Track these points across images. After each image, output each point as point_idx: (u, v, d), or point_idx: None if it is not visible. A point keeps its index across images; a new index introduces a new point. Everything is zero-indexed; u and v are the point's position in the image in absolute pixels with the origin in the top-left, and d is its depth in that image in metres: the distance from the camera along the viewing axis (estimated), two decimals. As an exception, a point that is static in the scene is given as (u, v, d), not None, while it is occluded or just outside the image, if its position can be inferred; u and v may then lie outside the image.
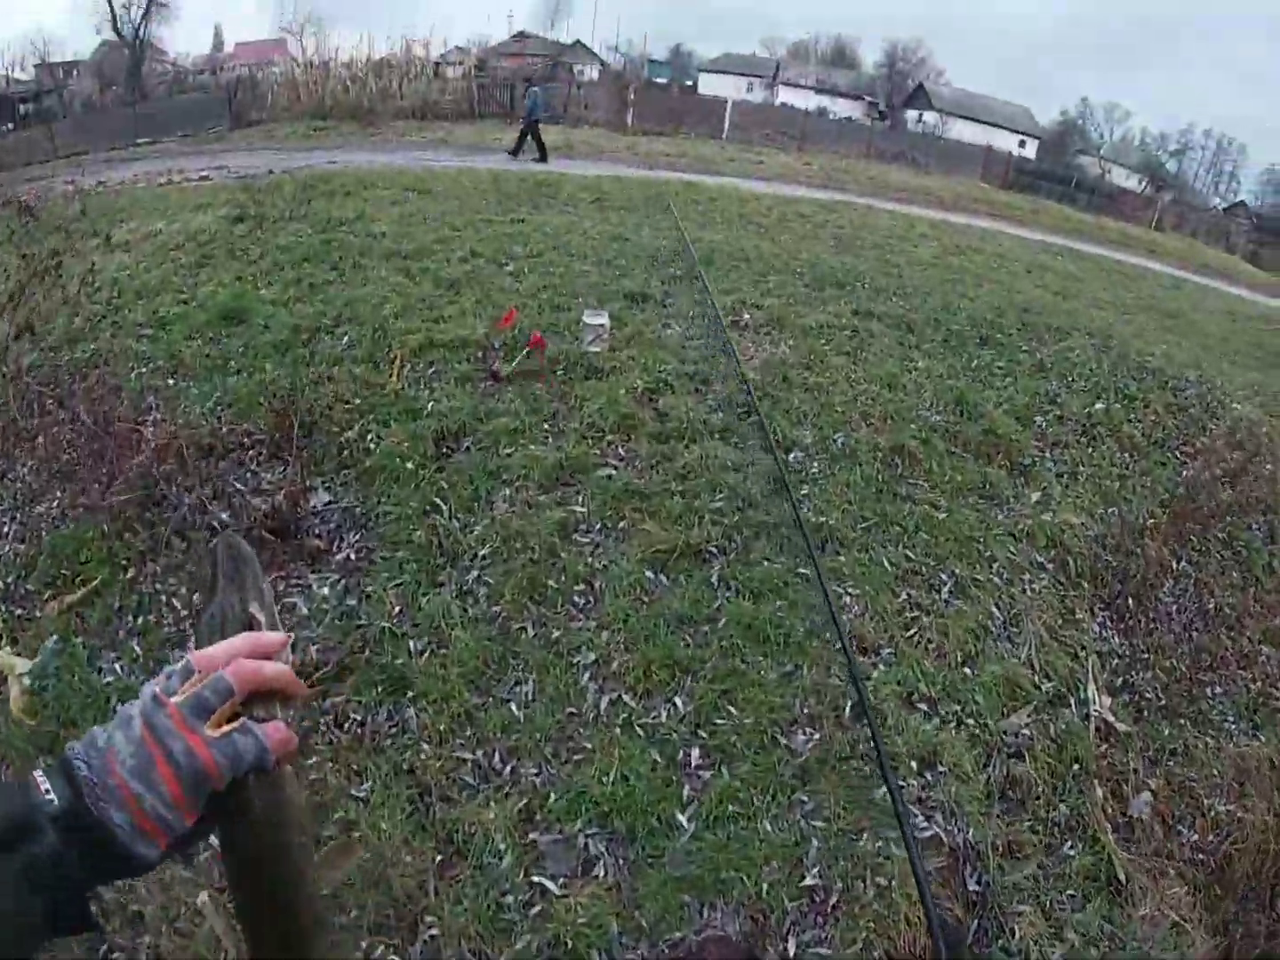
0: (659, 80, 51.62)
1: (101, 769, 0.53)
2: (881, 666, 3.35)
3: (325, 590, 3.48)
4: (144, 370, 5.18)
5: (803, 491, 4.27)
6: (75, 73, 39.37)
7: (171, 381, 5.04)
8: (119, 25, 36.12)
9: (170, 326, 5.78)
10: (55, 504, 4.05)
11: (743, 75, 56.18)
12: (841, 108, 53.03)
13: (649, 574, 3.58)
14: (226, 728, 0.56)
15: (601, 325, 5.21)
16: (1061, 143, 56.34)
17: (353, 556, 3.68)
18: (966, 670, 3.42)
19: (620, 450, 4.32)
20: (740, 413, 4.79)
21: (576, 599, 3.45)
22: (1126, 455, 5.32)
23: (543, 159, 15.75)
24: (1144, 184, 47.83)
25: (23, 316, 4.97)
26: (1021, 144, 48.59)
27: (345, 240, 7.76)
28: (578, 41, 60.31)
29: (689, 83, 55.47)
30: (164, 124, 22.17)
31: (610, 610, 3.38)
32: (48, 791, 0.52)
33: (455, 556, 3.62)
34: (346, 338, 5.53)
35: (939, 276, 8.86)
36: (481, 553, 3.62)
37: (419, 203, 9.94)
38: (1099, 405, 5.85)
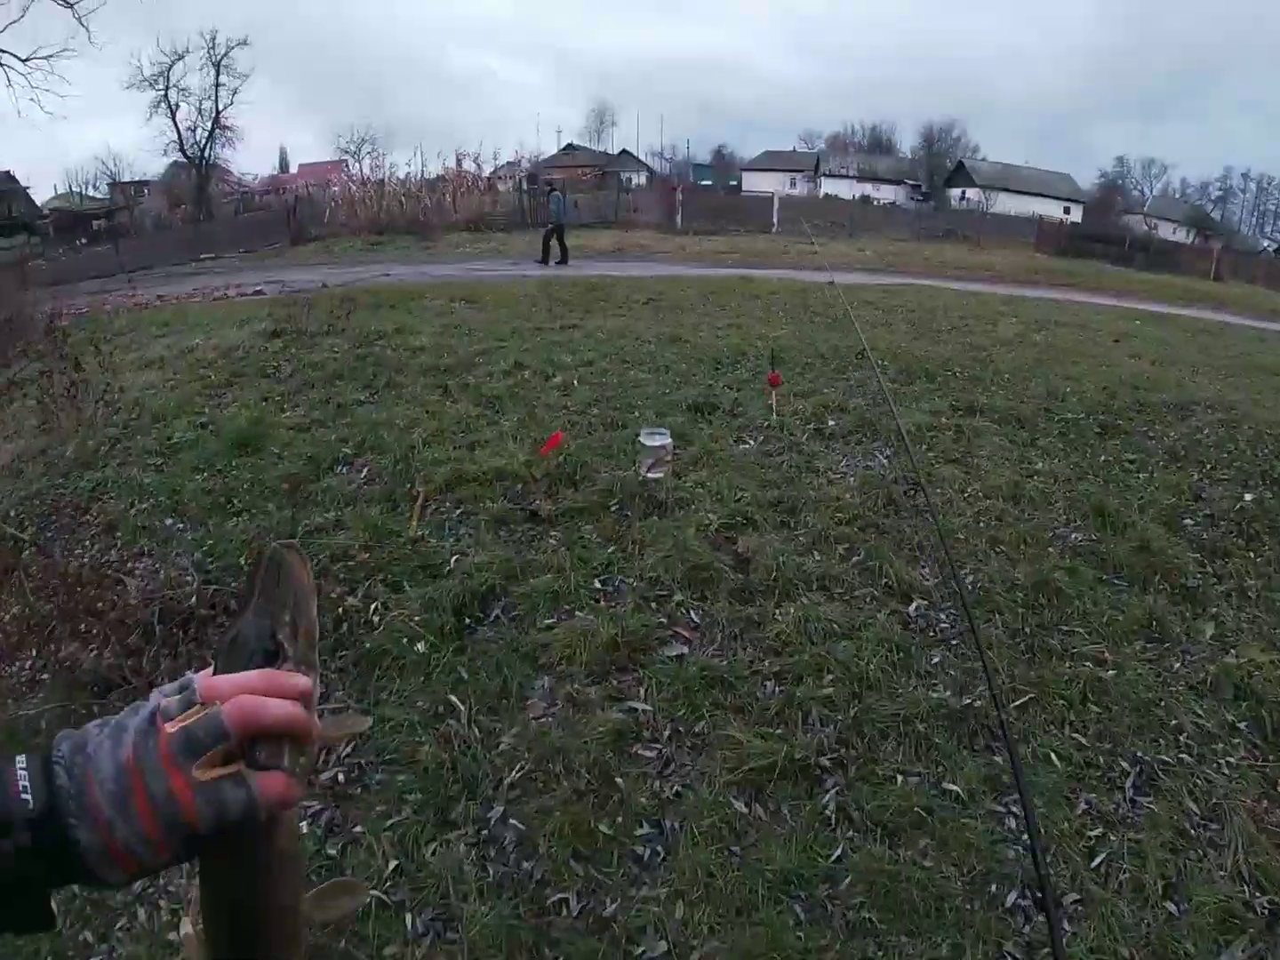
0: (705, 183, 53.18)
1: (80, 783, 0.48)
2: (1067, 924, 2.27)
3: (303, 826, 2.53)
4: (144, 507, 4.55)
5: (934, 659, 3.24)
6: (146, 192, 42.03)
7: (170, 521, 4.40)
8: (185, 147, 38.50)
9: (180, 454, 5.19)
10: (29, 664, 3.42)
11: (785, 171, 57.61)
12: (884, 193, 53.73)
13: (739, 805, 2.55)
14: (218, 772, 0.49)
15: (662, 446, 4.34)
16: (1105, 204, 55.95)
17: (341, 778, 2.75)
18: (1171, 906, 2.36)
19: (693, 615, 3.35)
20: (842, 550, 3.82)
21: (638, 849, 2.44)
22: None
23: (564, 260, 15.87)
24: (1192, 235, 46.75)
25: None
26: (1066, 210, 48.31)
27: (382, 355, 7.21)
28: (624, 151, 63.26)
29: (733, 182, 56.92)
30: (227, 241, 23.05)
31: (685, 866, 2.35)
32: (25, 790, 0.48)
33: (474, 783, 2.64)
34: (365, 470, 4.79)
35: (1030, 357, 7.86)
36: (509, 778, 2.65)
37: (465, 313, 9.50)
38: (1249, 497, 4.76)
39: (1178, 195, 63.77)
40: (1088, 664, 3.31)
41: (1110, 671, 3.28)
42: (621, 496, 4.17)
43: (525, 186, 28.28)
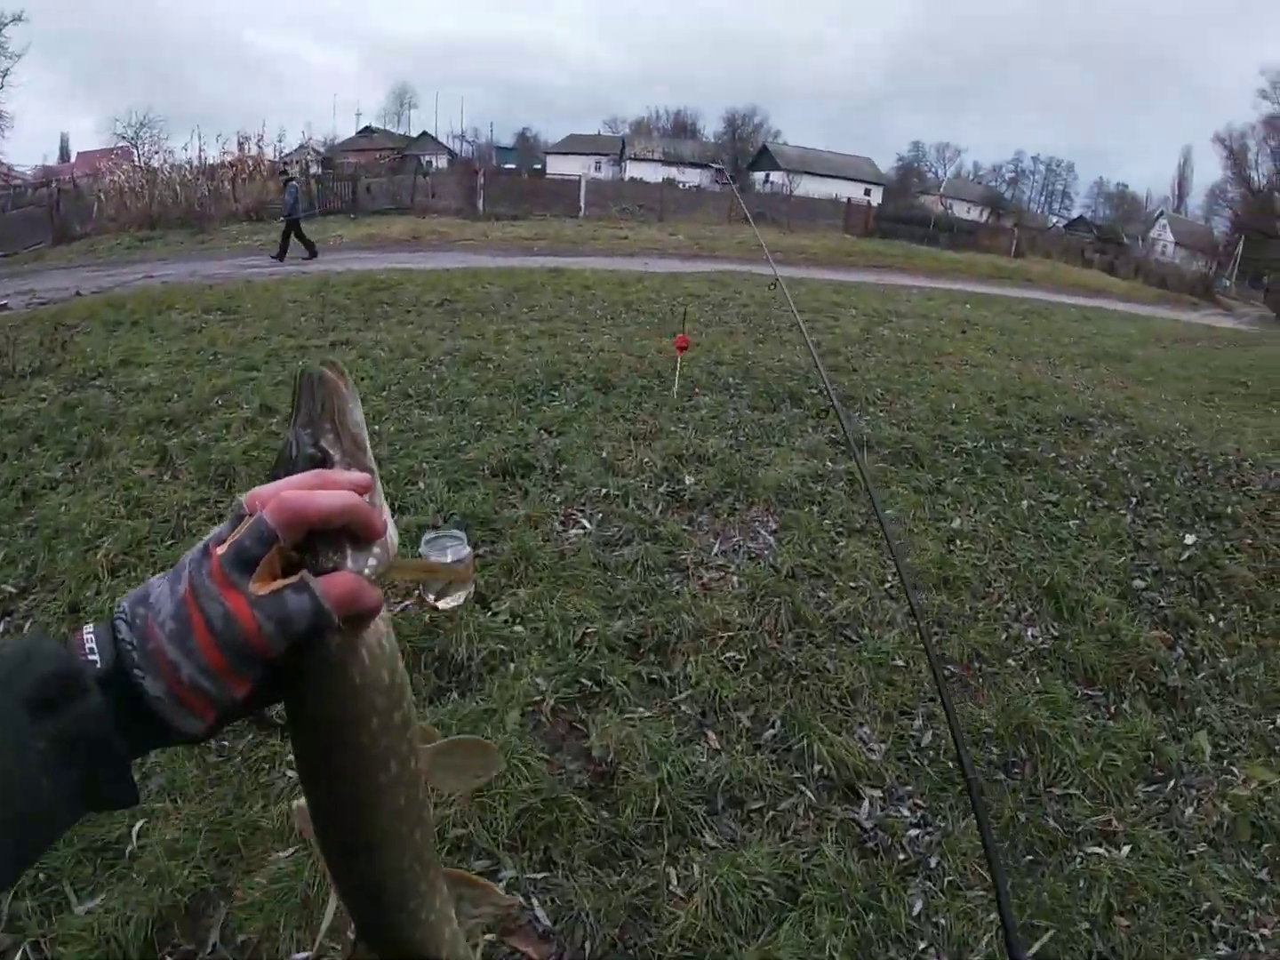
0: (508, 166, 51.39)
1: (142, 632, 0.44)
2: None
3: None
4: None
5: (914, 908, 2.04)
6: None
7: None
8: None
9: None
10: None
11: (590, 154, 56.70)
12: (689, 177, 53.85)
13: None
14: (277, 584, 0.43)
15: (460, 560, 2.83)
16: (904, 186, 59.10)
17: None
18: None
19: (538, 915, 1.89)
20: (747, 722, 2.50)
21: None
22: (1264, 617, 3.56)
23: (280, 256, 14.04)
24: (986, 214, 50.24)
25: None
26: (867, 192, 50.06)
27: (96, 402, 5.21)
28: (424, 133, 60.11)
29: (537, 166, 55.35)
30: (-17, 243, 18.70)
31: None
32: (91, 651, 0.43)
33: None
34: (29, 626, 3.00)
35: (893, 363, 6.97)
36: None
37: (217, 329, 7.48)
38: (1189, 539, 4.12)
39: (971, 178, 68.55)
40: (1098, 848, 2.42)
41: (1124, 850, 2.43)
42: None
43: (308, 170, 25.54)
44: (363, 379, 5.58)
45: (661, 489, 3.84)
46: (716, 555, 3.34)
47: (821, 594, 3.15)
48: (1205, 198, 56.99)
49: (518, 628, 2.80)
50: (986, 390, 6.10)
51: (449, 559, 2.78)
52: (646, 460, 4.10)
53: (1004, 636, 3.11)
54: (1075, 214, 66.68)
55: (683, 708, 2.58)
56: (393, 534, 0.49)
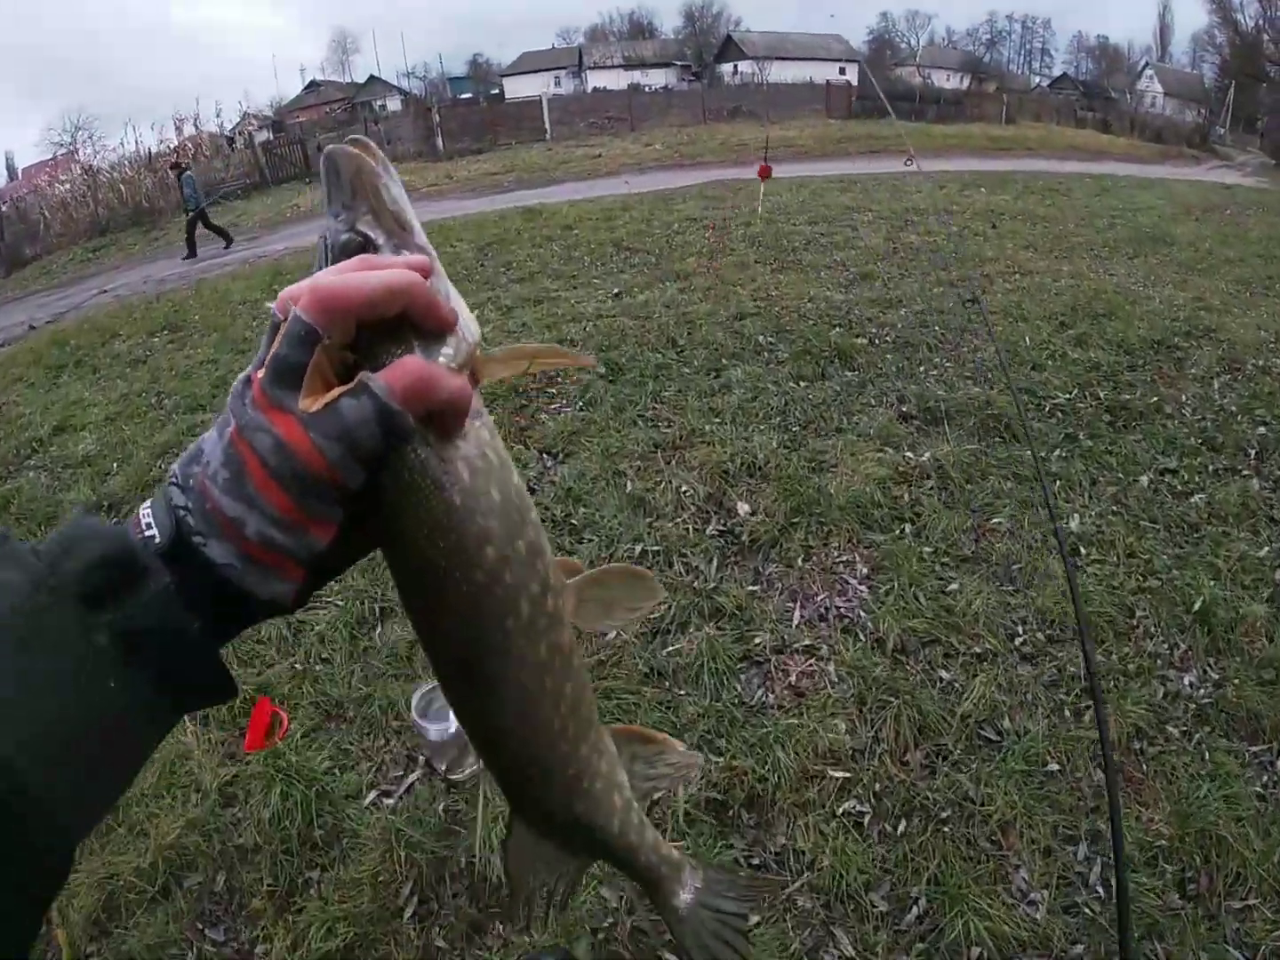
0: (465, 96, 49.47)
1: (196, 491, 0.37)
2: None
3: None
4: None
5: None
6: None
7: None
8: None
9: None
10: None
11: (548, 70, 54.31)
12: (654, 79, 51.59)
13: None
14: (331, 394, 0.35)
15: (457, 731, 2.07)
16: (879, 60, 56.29)
17: None
18: None
19: None
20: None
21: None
22: None
23: (227, 243, 12.92)
24: (968, 81, 47.96)
25: None
26: (841, 71, 47.45)
27: (32, 491, 4.29)
28: (372, 77, 57.78)
29: (494, 92, 52.86)
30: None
31: None
32: (149, 527, 0.37)
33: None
34: None
35: (935, 283, 5.96)
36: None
37: (163, 358, 6.53)
38: None
39: (946, 44, 65.25)
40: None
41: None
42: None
43: (251, 138, 24.25)
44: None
45: (710, 529, 3.01)
46: (799, 629, 2.53)
47: (944, 674, 2.37)
48: (1190, 44, 54.69)
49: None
50: (1054, 310, 5.21)
51: (453, 729, 2.01)
52: (685, 488, 3.25)
53: (1161, 694, 2.39)
54: (1057, 72, 63.95)
55: (799, 902, 1.84)
56: (469, 322, 0.40)
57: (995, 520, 3.05)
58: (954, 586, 2.68)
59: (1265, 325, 5.29)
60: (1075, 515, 3.16)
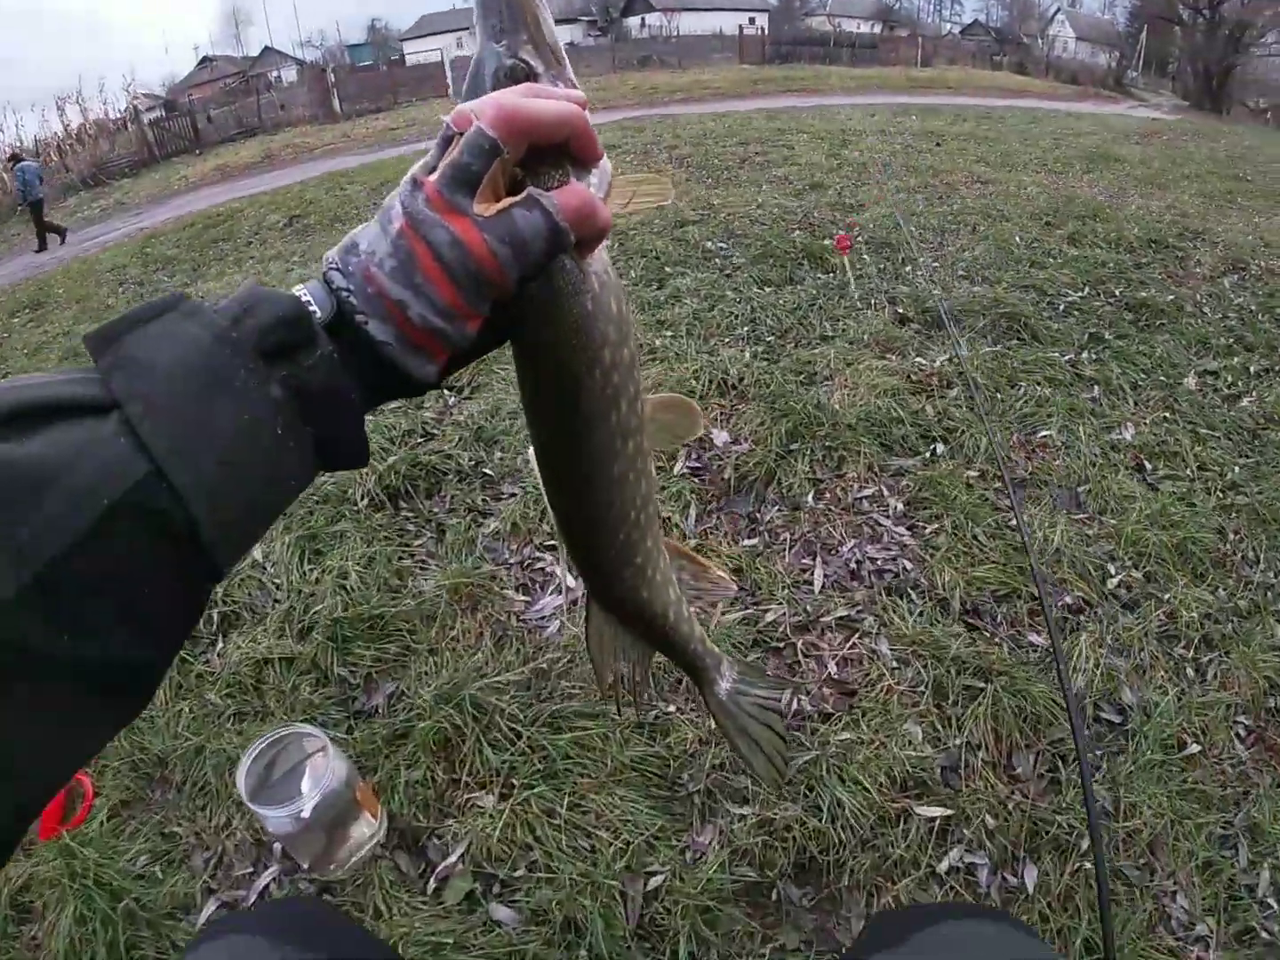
0: (365, 63, 47.33)
1: (359, 277, 0.39)
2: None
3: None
4: None
5: None
6: None
7: None
8: None
9: None
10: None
11: (450, 32, 51.71)
12: (561, 34, 49.63)
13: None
14: (504, 203, 0.38)
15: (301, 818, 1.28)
16: (788, 9, 55.45)
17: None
18: None
19: None
20: None
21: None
22: None
23: (42, 246, 11.34)
24: (879, 28, 47.67)
25: None
26: (751, 20, 46.62)
27: None
28: (267, 48, 55.32)
29: (395, 57, 50.61)
30: None
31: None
32: (309, 304, 0.38)
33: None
34: None
35: (896, 190, 5.28)
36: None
37: (17, 339, 5.60)
38: None
39: None
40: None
41: None
42: None
43: (135, 114, 22.94)
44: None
45: (679, 468, 2.25)
46: (827, 595, 1.80)
47: (1034, 637, 1.66)
48: (1101, -12, 55.05)
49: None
50: (1034, 211, 4.63)
51: (305, 811, 1.23)
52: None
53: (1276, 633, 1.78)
54: (968, 19, 63.53)
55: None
56: (606, 159, 0.42)
57: (1044, 434, 2.38)
58: (1010, 515, 2.00)
59: (1248, 232, 4.89)
60: (1129, 424, 2.52)
